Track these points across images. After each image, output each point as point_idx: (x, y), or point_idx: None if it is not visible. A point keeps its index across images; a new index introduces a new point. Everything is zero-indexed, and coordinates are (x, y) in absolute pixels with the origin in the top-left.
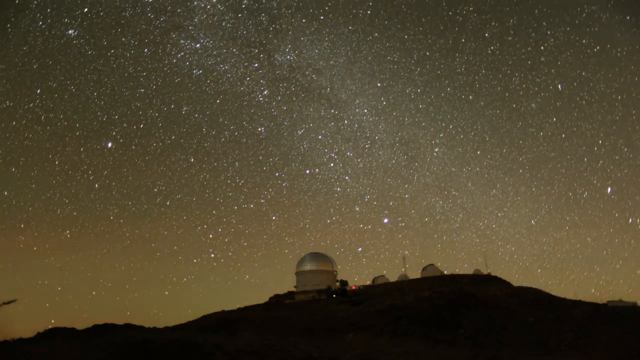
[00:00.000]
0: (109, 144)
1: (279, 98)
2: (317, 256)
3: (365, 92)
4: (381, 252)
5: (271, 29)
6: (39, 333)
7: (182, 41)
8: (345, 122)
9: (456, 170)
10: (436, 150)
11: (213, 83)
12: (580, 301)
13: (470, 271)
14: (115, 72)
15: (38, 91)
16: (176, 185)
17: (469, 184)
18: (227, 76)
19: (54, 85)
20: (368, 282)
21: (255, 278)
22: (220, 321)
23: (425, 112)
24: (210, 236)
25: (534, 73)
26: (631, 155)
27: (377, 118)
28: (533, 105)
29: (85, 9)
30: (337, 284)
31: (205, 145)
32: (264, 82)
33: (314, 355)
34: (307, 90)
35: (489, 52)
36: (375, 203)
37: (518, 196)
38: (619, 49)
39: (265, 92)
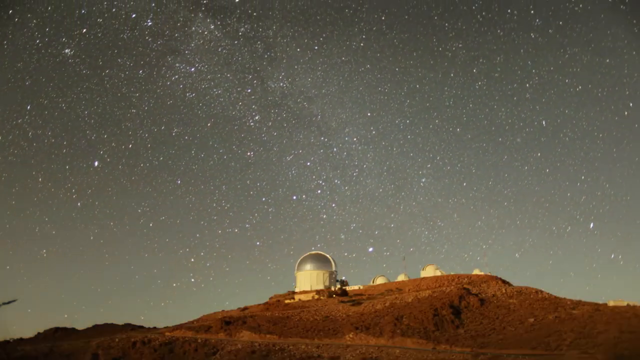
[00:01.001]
0: (96, 163)
1: (270, 124)
2: (317, 256)
3: (355, 121)
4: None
5: (266, 56)
6: (39, 333)
7: (177, 65)
8: (335, 149)
9: (442, 201)
10: (423, 180)
11: (205, 106)
12: (580, 301)
13: (470, 271)
14: (108, 91)
15: (28, 107)
16: (161, 207)
17: (455, 215)
18: (220, 100)
19: (45, 102)
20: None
21: (234, 305)
22: (220, 321)
23: (413, 142)
24: (192, 260)
25: (519, 109)
26: (612, 192)
27: (366, 147)
28: (518, 139)
29: (84, 30)
30: (337, 284)
31: (193, 167)
32: (255, 107)
33: (314, 355)
34: (298, 117)
35: (477, 87)
36: (360, 231)
37: (503, 229)
38: (599, 89)
39: (257, 117)
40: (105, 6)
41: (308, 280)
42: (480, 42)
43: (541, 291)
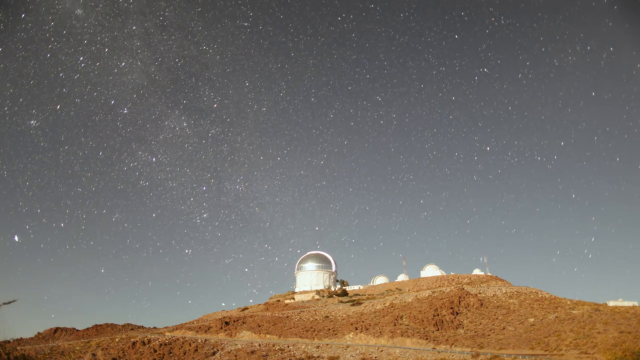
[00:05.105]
0: (16, 237)
1: (217, 224)
2: (317, 256)
3: (302, 233)
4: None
5: (229, 159)
6: (39, 333)
7: (139, 152)
8: (276, 259)
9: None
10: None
11: (155, 197)
12: (580, 301)
13: (470, 271)
14: (59, 167)
15: None
16: (73, 296)
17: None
18: (172, 193)
19: None
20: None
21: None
22: (220, 321)
23: (356, 262)
24: None
25: (459, 242)
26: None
27: None
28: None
29: (58, 106)
30: (337, 284)
31: (124, 257)
32: (206, 205)
33: (314, 355)
34: (246, 222)
35: (422, 217)
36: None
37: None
38: (531, 235)
39: (205, 216)
40: (87, 89)
41: (308, 280)
42: (429, 177)
43: (541, 291)
